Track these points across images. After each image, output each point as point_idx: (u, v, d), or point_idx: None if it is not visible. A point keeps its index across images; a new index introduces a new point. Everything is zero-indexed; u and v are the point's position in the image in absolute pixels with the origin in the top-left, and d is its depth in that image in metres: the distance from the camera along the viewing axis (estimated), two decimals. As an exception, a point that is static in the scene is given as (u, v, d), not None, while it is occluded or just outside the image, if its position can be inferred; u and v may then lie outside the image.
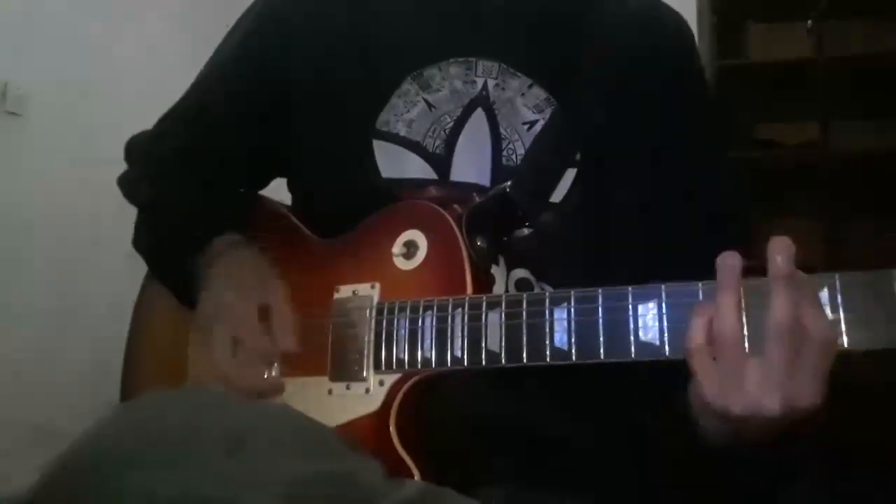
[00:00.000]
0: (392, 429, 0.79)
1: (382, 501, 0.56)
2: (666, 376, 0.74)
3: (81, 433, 0.59)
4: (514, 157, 0.92)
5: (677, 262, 0.74)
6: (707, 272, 0.69)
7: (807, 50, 2.67)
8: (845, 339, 0.64)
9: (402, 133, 0.94)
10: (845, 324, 0.64)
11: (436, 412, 0.83)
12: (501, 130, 0.93)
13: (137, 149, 1.08)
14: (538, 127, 0.93)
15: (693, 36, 1.03)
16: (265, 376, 0.88)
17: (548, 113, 0.93)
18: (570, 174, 0.92)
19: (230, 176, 1.05)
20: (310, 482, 0.56)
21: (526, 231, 0.90)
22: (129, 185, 1.05)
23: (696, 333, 0.67)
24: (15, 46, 2.37)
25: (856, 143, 2.75)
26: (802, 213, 2.77)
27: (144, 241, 1.03)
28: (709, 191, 0.97)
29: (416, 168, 0.93)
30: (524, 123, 0.93)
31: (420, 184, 0.93)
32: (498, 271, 0.86)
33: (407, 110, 0.95)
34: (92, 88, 2.59)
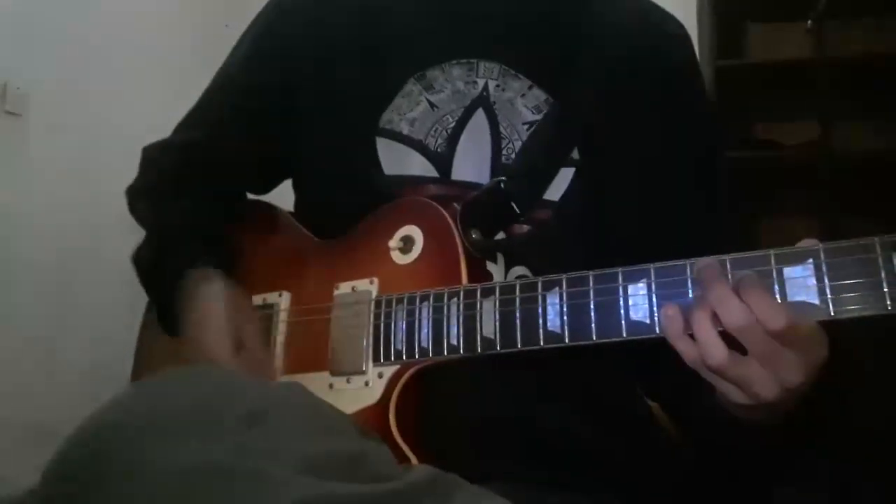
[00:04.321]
0: (391, 420, 0.80)
1: (394, 483, 0.57)
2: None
3: (96, 409, 0.60)
4: (513, 156, 0.94)
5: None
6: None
7: (807, 50, 2.67)
8: (832, 307, 0.65)
9: (405, 132, 0.95)
10: (831, 293, 0.65)
11: (435, 405, 0.84)
12: (502, 130, 0.94)
13: (149, 160, 1.09)
14: None
15: (689, 37, 1.05)
16: None
17: None
18: (569, 173, 0.93)
19: (239, 180, 1.06)
20: (328, 458, 0.57)
21: (525, 229, 0.91)
22: (131, 199, 1.07)
23: (719, 349, 0.66)
24: (15, 46, 2.37)
25: (856, 143, 2.74)
26: (802, 213, 2.76)
27: (141, 254, 1.04)
28: (705, 191, 0.97)
29: (418, 166, 0.95)
30: (524, 124, 0.94)
31: (421, 181, 0.94)
32: (496, 268, 0.87)
33: (410, 109, 0.96)
34: (92, 88, 2.59)
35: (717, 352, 0.66)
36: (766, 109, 2.96)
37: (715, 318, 0.66)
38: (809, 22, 2.56)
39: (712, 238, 0.95)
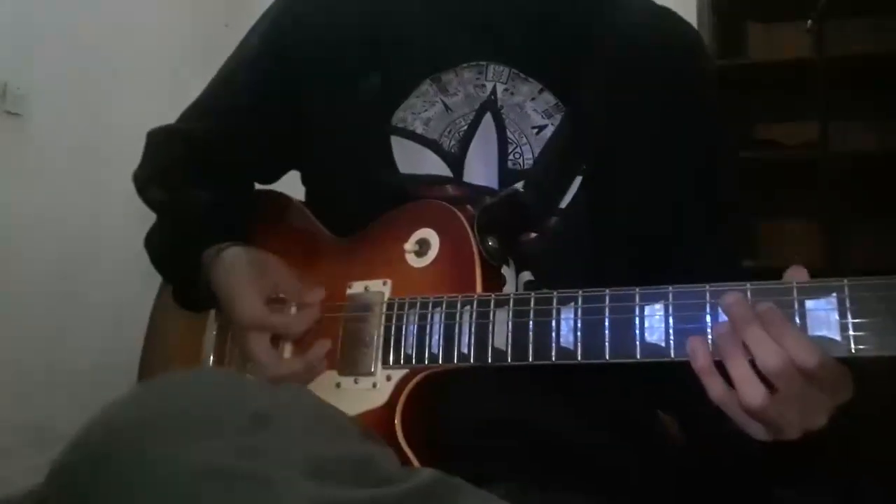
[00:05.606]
0: (397, 424, 0.80)
1: (399, 487, 0.57)
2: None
3: (100, 411, 0.59)
4: (520, 160, 0.93)
5: (680, 271, 0.74)
6: (709, 280, 0.70)
7: (807, 50, 2.66)
8: (853, 345, 0.64)
9: (419, 131, 0.95)
10: (854, 329, 0.64)
11: (442, 410, 0.84)
12: (509, 134, 0.94)
13: (154, 145, 1.08)
14: (547, 132, 0.94)
15: (703, 44, 1.04)
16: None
17: (557, 119, 0.94)
18: (576, 180, 0.92)
19: (245, 170, 1.06)
20: (333, 462, 0.57)
21: (532, 234, 0.90)
22: (141, 183, 1.06)
23: (759, 391, 0.65)
24: (15, 46, 2.37)
25: (856, 143, 2.74)
26: (802, 213, 2.76)
27: (156, 241, 1.04)
28: (713, 198, 0.97)
29: (432, 165, 0.94)
30: (533, 128, 0.94)
31: (436, 181, 0.94)
32: (509, 272, 0.87)
33: (425, 109, 0.96)
34: (92, 88, 2.59)
35: (757, 394, 0.65)
36: (766, 109, 2.96)
37: (746, 353, 0.65)
38: (809, 22, 2.55)
39: (716, 245, 0.95)
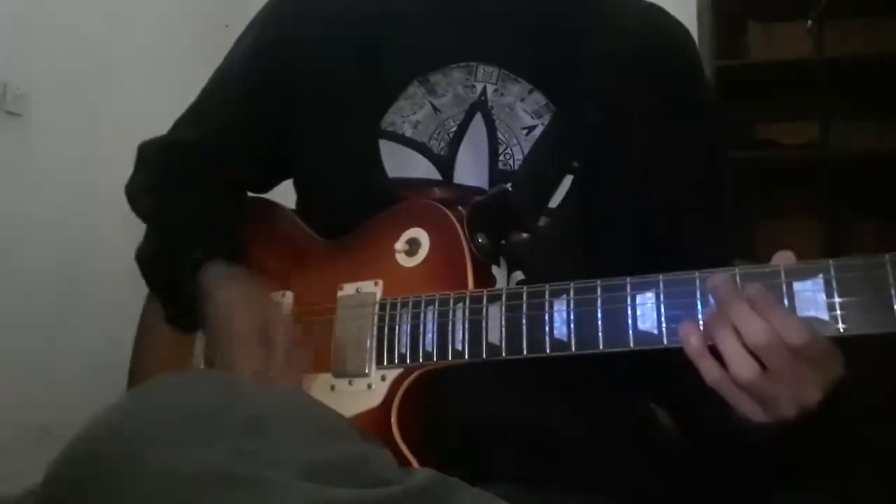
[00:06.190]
0: (393, 423, 0.80)
1: (395, 487, 0.57)
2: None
3: (97, 414, 0.60)
4: (511, 161, 0.93)
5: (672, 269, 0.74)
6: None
7: (807, 50, 2.66)
8: (841, 324, 0.65)
9: (408, 134, 0.95)
10: (840, 309, 0.65)
11: (437, 408, 0.83)
12: (499, 135, 0.94)
13: (146, 157, 1.08)
14: (536, 132, 0.94)
15: (694, 43, 1.04)
16: None
17: (547, 118, 0.94)
18: (567, 180, 0.92)
19: (238, 179, 1.06)
20: (329, 464, 0.57)
21: (523, 235, 0.90)
22: (133, 195, 1.06)
23: (750, 366, 0.66)
24: (15, 46, 2.37)
25: (856, 143, 2.74)
26: (802, 213, 2.76)
27: (146, 252, 1.04)
28: (707, 198, 0.97)
29: (421, 169, 0.94)
30: (523, 128, 0.94)
31: (425, 184, 0.94)
32: (499, 272, 0.87)
33: (413, 112, 0.95)
34: (92, 88, 2.59)
35: (747, 368, 0.65)
36: (766, 109, 2.97)
37: (735, 331, 0.66)
38: (809, 22, 2.55)
39: (712, 245, 0.95)
